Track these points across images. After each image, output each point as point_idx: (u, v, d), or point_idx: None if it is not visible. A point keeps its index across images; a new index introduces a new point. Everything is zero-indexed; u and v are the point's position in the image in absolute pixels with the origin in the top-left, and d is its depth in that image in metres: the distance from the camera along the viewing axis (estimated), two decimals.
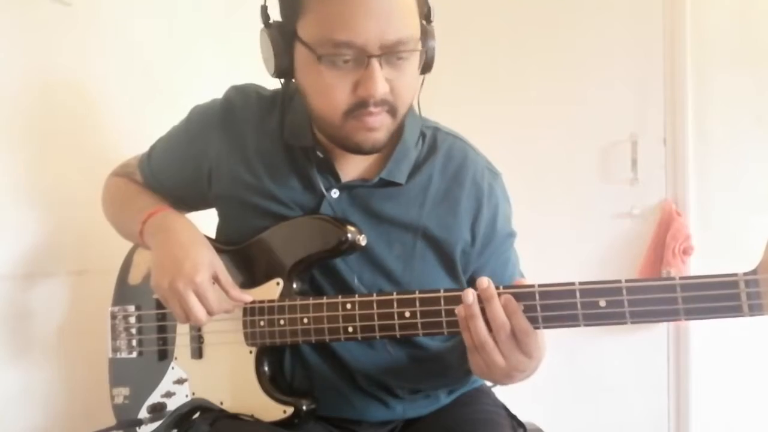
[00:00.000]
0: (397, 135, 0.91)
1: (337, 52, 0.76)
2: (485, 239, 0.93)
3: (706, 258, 1.97)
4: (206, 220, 1.03)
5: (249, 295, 0.88)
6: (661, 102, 2.09)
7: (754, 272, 0.65)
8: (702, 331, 1.99)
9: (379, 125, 0.81)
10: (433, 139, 0.96)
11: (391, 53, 0.76)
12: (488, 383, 1.08)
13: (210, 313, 0.85)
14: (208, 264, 0.86)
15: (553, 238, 2.10)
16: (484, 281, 0.72)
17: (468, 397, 0.99)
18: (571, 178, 2.18)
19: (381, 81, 0.76)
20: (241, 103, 0.95)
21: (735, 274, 0.65)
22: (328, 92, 0.79)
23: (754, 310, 0.64)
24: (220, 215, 1.00)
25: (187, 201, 1.03)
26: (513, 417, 0.96)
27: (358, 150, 0.83)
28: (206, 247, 0.89)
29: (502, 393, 1.05)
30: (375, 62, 0.76)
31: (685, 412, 2.03)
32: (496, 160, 1.01)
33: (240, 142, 0.93)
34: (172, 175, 1.01)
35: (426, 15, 0.84)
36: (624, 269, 2.09)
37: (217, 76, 1.03)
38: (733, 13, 1.97)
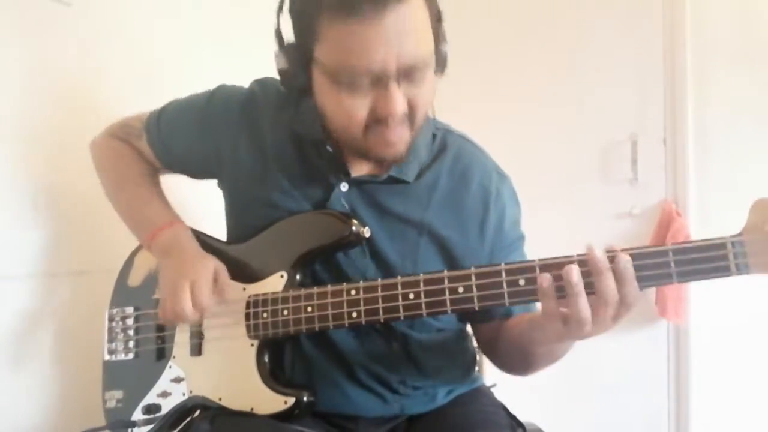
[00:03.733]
0: None
1: (356, 77, 0.77)
2: (493, 241, 0.94)
3: None
4: (208, 222, 1.03)
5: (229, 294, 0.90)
6: (661, 102, 2.08)
7: (739, 235, 0.70)
8: (702, 330, 1.99)
9: (399, 138, 0.83)
10: (443, 140, 0.98)
11: (408, 73, 0.77)
12: (487, 383, 1.09)
13: (197, 305, 0.86)
14: (213, 266, 0.89)
15: (552, 237, 2.09)
16: (597, 253, 0.70)
17: (467, 398, 1.00)
18: (571, 178, 2.18)
19: (400, 101, 0.78)
20: (262, 97, 0.97)
21: (722, 238, 0.70)
22: (347, 113, 0.80)
23: (741, 269, 0.69)
24: (228, 207, 1.01)
25: (190, 171, 1.05)
26: (512, 417, 0.96)
27: (381, 161, 0.87)
28: (212, 257, 0.92)
29: (502, 393, 1.06)
30: (393, 83, 0.77)
31: (685, 412, 2.03)
32: (496, 159, 1.01)
33: (256, 136, 0.95)
34: (182, 143, 1.02)
35: (437, 17, 0.83)
36: None
37: (219, 76, 1.03)
38: (733, 13, 1.97)
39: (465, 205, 0.93)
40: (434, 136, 0.97)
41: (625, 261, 0.69)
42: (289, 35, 0.84)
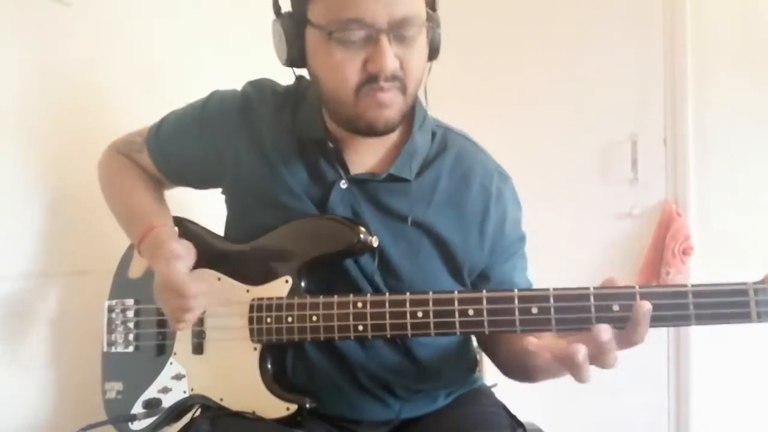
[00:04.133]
0: (406, 132, 0.93)
1: (347, 29, 0.78)
2: (493, 242, 0.94)
3: (706, 258, 1.97)
4: (210, 220, 1.03)
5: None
6: (661, 102, 2.08)
7: (762, 282, 0.68)
8: (702, 331, 1.99)
9: (390, 102, 0.83)
10: (444, 139, 0.97)
11: (399, 28, 0.79)
12: (488, 383, 1.09)
13: (187, 307, 0.86)
14: (174, 262, 0.87)
15: (553, 238, 2.10)
16: (604, 334, 0.68)
17: (467, 398, 0.99)
18: (571, 178, 2.18)
19: (390, 56, 0.79)
20: (257, 98, 0.97)
21: (745, 283, 0.68)
22: (340, 70, 0.81)
23: (762, 317, 0.68)
24: (229, 207, 1.01)
25: (192, 180, 1.05)
26: (513, 417, 0.96)
27: (372, 129, 0.85)
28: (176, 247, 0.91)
29: (502, 393, 1.06)
30: (384, 38, 0.78)
31: (685, 412, 2.03)
32: (496, 159, 1.01)
33: (256, 136, 0.95)
34: (181, 151, 1.02)
35: (431, 3, 0.85)
36: (624, 269, 2.09)
37: (219, 76, 1.03)
38: (733, 13, 1.97)
39: (466, 206, 0.93)
40: (434, 134, 0.97)
41: (645, 311, 0.68)
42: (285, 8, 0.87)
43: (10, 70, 1.09)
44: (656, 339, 2.07)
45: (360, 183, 0.92)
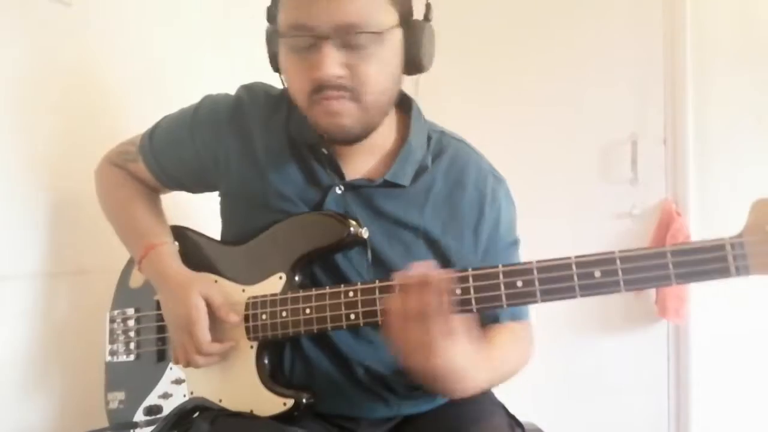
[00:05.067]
0: (402, 137, 0.93)
1: (296, 35, 0.80)
2: (488, 244, 0.94)
3: None
4: (208, 222, 1.03)
5: (236, 316, 0.89)
6: (661, 102, 2.08)
7: (739, 236, 0.68)
8: (702, 331, 1.99)
9: (340, 111, 0.82)
10: (439, 143, 0.97)
11: (346, 35, 0.78)
12: None
13: (203, 353, 0.88)
14: (203, 299, 0.88)
15: (552, 238, 2.10)
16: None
17: (466, 397, 0.99)
18: (571, 178, 2.18)
19: (330, 63, 0.78)
20: (249, 101, 0.98)
21: (722, 239, 0.68)
22: (293, 77, 0.84)
23: (741, 271, 0.68)
24: (224, 212, 1.01)
25: (187, 185, 1.06)
26: (511, 417, 0.96)
27: (330, 137, 0.86)
28: (196, 282, 0.91)
29: (501, 393, 1.05)
30: (327, 44, 0.78)
31: (685, 412, 2.03)
32: (496, 160, 1.01)
33: (248, 140, 0.95)
34: (175, 158, 1.02)
35: (405, 12, 0.85)
36: None
37: (218, 76, 1.04)
38: (733, 13, 1.97)
39: (461, 209, 0.93)
40: (429, 138, 0.97)
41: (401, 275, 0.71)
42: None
43: (10, 70, 1.09)
44: (656, 339, 2.07)
45: (355, 188, 0.92)
